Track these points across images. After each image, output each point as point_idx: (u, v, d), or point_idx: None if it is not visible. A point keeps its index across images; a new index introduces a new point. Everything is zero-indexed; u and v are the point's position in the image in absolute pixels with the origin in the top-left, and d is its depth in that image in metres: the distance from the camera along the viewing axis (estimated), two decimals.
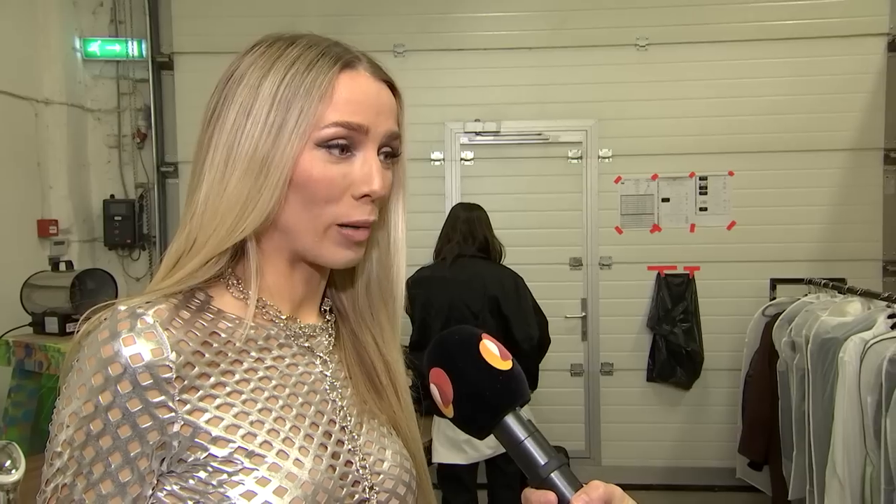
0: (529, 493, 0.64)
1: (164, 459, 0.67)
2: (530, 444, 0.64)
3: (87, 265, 3.95)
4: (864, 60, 4.01)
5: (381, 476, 0.76)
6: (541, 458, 0.64)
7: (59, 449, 0.67)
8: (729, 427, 4.00)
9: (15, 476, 1.65)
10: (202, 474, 0.67)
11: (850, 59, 4.01)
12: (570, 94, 4.14)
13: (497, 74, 4.17)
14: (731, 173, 4.13)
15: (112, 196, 4.33)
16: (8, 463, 1.71)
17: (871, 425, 2.45)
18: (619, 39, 4.11)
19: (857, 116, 4.03)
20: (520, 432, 0.65)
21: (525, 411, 0.67)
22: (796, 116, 4.04)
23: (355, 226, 0.73)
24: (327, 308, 0.83)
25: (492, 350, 0.67)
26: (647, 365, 4.20)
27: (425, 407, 0.82)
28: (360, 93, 0.72)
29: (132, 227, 4.28)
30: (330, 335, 0.81)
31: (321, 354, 0.78)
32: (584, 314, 4.22)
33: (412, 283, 2.95)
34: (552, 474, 0.63)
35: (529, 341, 2.83)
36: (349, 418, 0.76)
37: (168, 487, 0.67)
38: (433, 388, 0.68)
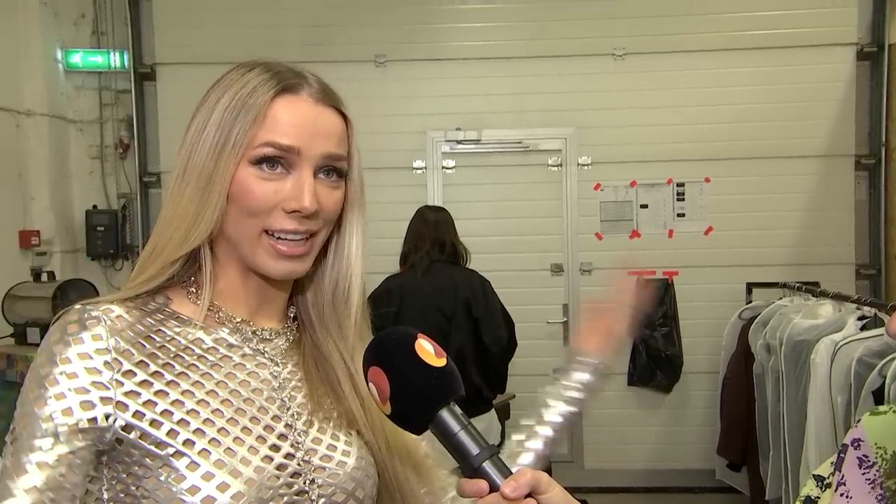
0: (463, 483, 0.68)
1: (96, 437, 0.71)
2: (463, 437, 0.68)
3: (70, 276, 3.94)
4: (834, 69, 4.11)
5: (327, 471, 0.79)
6: (473, 449, 0.67)
7: (8, 439, 0.72)
8: (708, 429, 4.06)
9: None
10: (143, 459, 0.72)
11: (821, 68, 4.11)
12: (549, 103, 4.21)
13: (477, 84, 4.23)
14: (707, 180, 4.21)
15: (95, 206, 4.33)
16: None
17: (841, 424, 2.52)
18: (597, 49, 4.18)
19: (828, 124, 4.13)
20: (453, 425, 0.68)
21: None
22: (770, 124, 4.13)
23: (283, 235, 0.77)
24: (291, 315, 0.87)
25: (427, 348, 0.71)
26: (628, 369, 4.25)
27: None
28: (296, 116, 0.77)
29: (115, 237, 4.28)
30: (287, 339, 0.85)
31: (274, 357, 0.83)
32: (565, 319, 4.27)
33: (382, 293, 2.92)
34: (484, 464, 0.67)
35: (498, 343, 2.85)
36: (298, 417, 0.80)
37: (116, 475, 0.73)
38: (371, 387, 0.72)
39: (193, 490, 0.70)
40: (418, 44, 4.23)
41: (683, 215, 4.22)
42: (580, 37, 4.18)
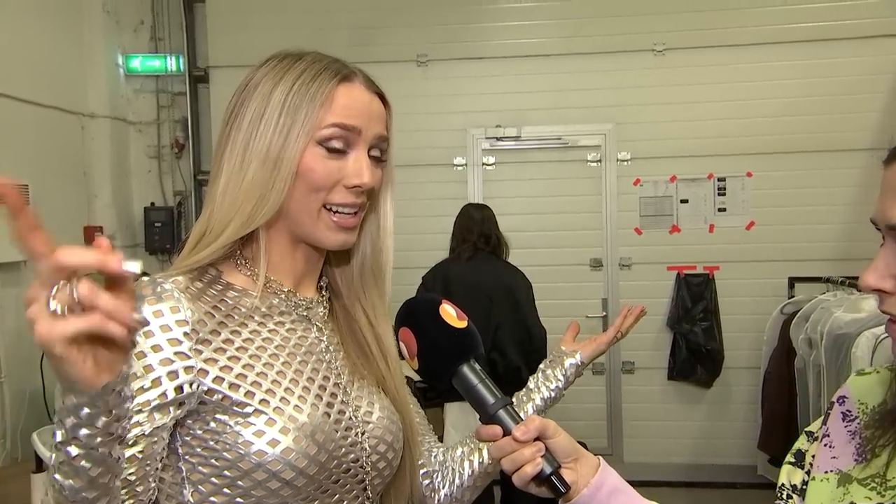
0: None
1: (182, 404, 0.78)
2: (481, 389, 0.78)
3: None
4: (880, 61, 4.03)
5: (371, 424, 0.89)
6: (489, 399, 0.78)
7: None
8: (749, 424, 4.05)
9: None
10: (221, 416, 0.79)
11: (867, 60, 4.04)
12: (588, 99, 4.25)
13: (517, 81, 4.29)
14: (749, 174, 4.18)
15: (152, 203, 4.56)
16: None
17: None
18: (637, 45, 4.20)
19: (874, 117, 4.05)
20: (473, 379, 0.79)
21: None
22: (814, 117, 4.09)
23: (342, 209, 0.85)
24: (323, 285, 0.96)
25: (450, 312, 0.82)
26: (668, 363, 4.26)
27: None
28: (355, 100, 0.86)
29: (171, 232, 4.49)
30: (325, 307, 0.94)
31: (317, 323, 0.91)
32: (604, 314, 4.30)
33: (429, 278, 3.14)
34: (499, 412, 0.77)
35: (539, 332, 2.99)
36: (342, 376, 0.90)
37: (192, 432, 0.80)
38: (401, 345, 0.83)
39: (274, 443, 0.78)
40: (459, 43, 4.32)
41: (724, 210, 4.21)
42: (620, 33, 4.20)
